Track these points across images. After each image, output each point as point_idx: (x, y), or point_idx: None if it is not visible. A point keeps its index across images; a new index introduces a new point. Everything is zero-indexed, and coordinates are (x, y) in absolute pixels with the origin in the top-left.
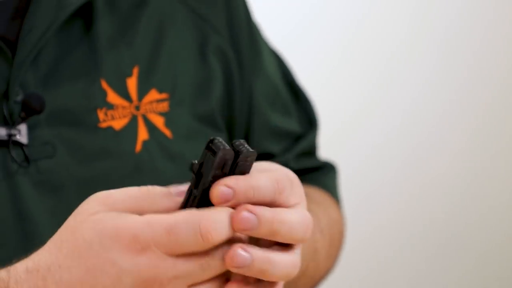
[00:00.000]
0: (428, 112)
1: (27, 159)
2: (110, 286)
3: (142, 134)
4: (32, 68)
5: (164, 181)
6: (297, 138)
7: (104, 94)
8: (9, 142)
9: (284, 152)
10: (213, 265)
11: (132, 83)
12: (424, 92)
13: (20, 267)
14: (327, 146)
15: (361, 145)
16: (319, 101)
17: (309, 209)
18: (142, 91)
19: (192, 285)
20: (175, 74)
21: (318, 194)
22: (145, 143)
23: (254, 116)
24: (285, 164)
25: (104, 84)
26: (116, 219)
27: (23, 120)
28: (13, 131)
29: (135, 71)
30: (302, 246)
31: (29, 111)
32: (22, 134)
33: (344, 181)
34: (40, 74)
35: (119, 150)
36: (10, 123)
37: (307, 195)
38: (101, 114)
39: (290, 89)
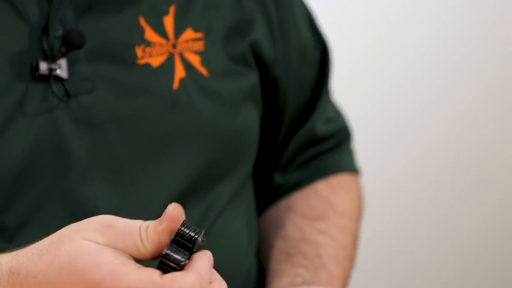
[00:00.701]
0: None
1: (67, 93)
2: None
3: (179, 72)
4: (72, 4)
5: (200, 119)
6: (316, 85)
7: (142, 31)
8: (50, 77)
9: (310, 105)
10: None
11: (169, 21)
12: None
13: (5, 265)
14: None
15: (376, 87)
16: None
17: (336, 237)
18: (179, 30)
19: None
20: (210, 14)
21: (341, 196)
22: (182, 80)
23: (290, 69)
24: (313, 128)
25: (142, 21)
26: (90, 257)
27: (63, 55)
28: (54, 66)
29: (172, 9)
30: (341, 285)
31: (69, 46)
32: (62, 69)
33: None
34: (79, 10)
35: (156, 87)
36: (51, 58)
37: (332, 206)
38: (139, 51)
39: (315, 36)
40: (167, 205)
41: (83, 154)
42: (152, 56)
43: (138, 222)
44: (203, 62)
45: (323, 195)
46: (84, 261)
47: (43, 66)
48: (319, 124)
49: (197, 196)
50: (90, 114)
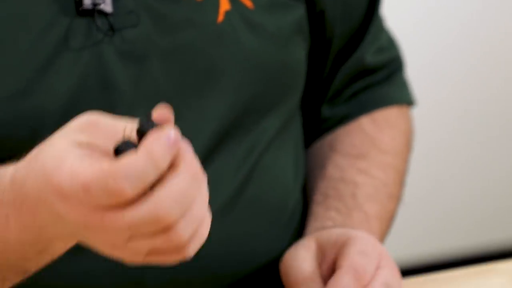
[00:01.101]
0: None
1: (112, 28)
2: (53, 225)
3: (224, 4)
4: None
5: (245, 52)
6: (366, 14)
7: None
8: (94, 11)
9: (359, 34)
10: (141, 216)
11: None
12: None
13: (8, 175)
14: None
15: None
16: None
17: (376, 175)
18: None
19: (134, 236)
20: None
21: (385, 132)
22: (227, 13)
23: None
24: (362, 58)
25: None
26: (57, 159)
27: None
28: (98, 0)
29: None
30: (379, 224)
31: None
32: (106, 3)
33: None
34: None
35: (201, 20)
36: None
37: (375, 144)
38: None
39: None
40: (211, 139)
41: (128, 88)
42: None
43: (124, 123)
44: None
45: (367, 132)
46: (52, 164)
47: (87, 1)
48: (368, 54)
49: (243, 130)
50: (135, 48)
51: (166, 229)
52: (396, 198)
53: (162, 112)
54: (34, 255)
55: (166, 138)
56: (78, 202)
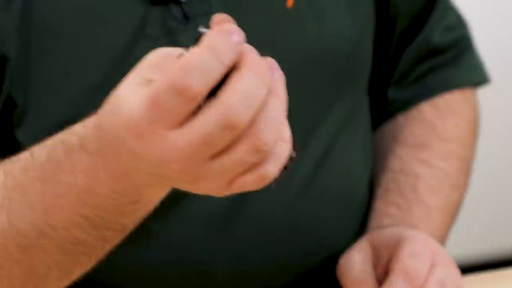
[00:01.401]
0: None
1: (186, 16)
2: (136, 168)
3: None
4: None
5: (312, 38)
6: None
7: None
8: (168, 0)
9: (425, 13)
10: (211, 121)
11: None
12: None
13: (91, 124)
14: None
15: None
16: None
17: (438, 166)
18: None
19: (217, 153)
20: None
21: (448, 120)
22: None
23: None
24: (429, 38)
25: None
26: (126, 95)
27: None
28: None
29: None
30: (442, 216)
31: None
32: None
33: None
34: None
35: (271, 6)
36: None
37: (437, 132)
38: None
39: None
40: None
41: None
42: None
43: None
44: None
45: (428, 120)
46: (122, 100)
47: None
48: (435, 33)
49: (311, 119)
50: None
51: (243, 132)
52: (461, 187)
53: (221, 16)
54: (128, 207)
55: (228, 32)
56: (150, 130)
